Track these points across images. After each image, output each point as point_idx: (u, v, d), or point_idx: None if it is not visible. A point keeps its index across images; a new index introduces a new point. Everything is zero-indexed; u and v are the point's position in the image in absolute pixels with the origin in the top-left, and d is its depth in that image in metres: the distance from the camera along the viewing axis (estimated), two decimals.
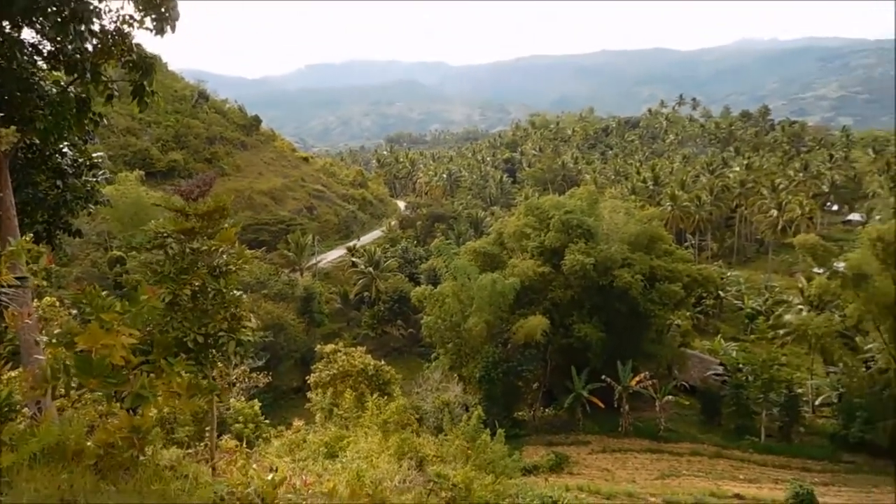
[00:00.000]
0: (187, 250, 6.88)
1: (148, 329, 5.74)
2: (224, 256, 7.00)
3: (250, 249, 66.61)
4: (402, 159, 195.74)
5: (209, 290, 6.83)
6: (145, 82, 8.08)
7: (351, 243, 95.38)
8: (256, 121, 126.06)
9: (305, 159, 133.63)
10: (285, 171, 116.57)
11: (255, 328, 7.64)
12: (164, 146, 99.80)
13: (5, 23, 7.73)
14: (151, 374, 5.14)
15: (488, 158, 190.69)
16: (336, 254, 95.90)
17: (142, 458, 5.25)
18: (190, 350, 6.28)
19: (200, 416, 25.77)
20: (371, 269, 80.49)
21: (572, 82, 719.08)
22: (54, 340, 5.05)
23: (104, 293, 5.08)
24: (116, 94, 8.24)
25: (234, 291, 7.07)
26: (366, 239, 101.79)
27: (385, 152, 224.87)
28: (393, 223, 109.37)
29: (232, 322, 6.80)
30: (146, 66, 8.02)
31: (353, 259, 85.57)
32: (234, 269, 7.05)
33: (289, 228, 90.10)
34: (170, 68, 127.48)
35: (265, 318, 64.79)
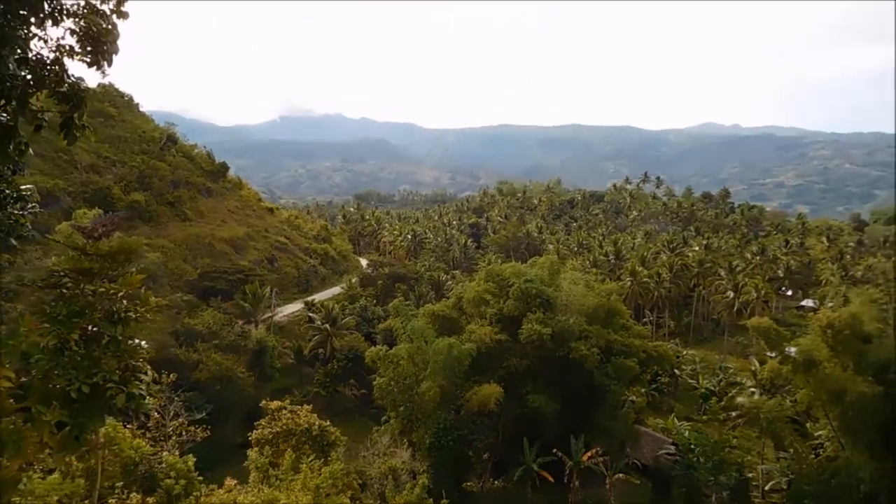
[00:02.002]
0: (86, 292, 6.34)
1: (32, 374, 5.16)
2: (124, 302, 6.47)
3: (206, 297, 65.20)
4: (368, 217, 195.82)
5: (104, 336, 6.27)
6: (75, 115, 7.66)
7: (309, 298, 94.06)
8: (224, 168, 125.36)
9: (271, 210, 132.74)
10: (249, 220, 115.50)
11: (151, 381, 7.04)
12: (127, 186, 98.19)
13: None
14: (27, 423, 4.59)
15: (454, 222, 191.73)
16: (293, 308, 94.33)
17: None
18: (73, 400, 5.66)
19: (130, 468, 24.53)
20: (328, 325, 79.19)
21: (541, 153, 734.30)
22: None
23: None
24: (45, 123, 7.79)
25: (134, 340, 6.51)
26: (325, 294, 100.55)
27: (352, 209, 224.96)
28: (354, 280, 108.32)
29: (125, 373, 6.20)
30: (77, 98, 7.62)
31: (310, 314, 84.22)
32: (134, 316, 6.51)
33: (247, 278, 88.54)
34: (141, 109, 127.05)
35: (213, 369, 63.04)
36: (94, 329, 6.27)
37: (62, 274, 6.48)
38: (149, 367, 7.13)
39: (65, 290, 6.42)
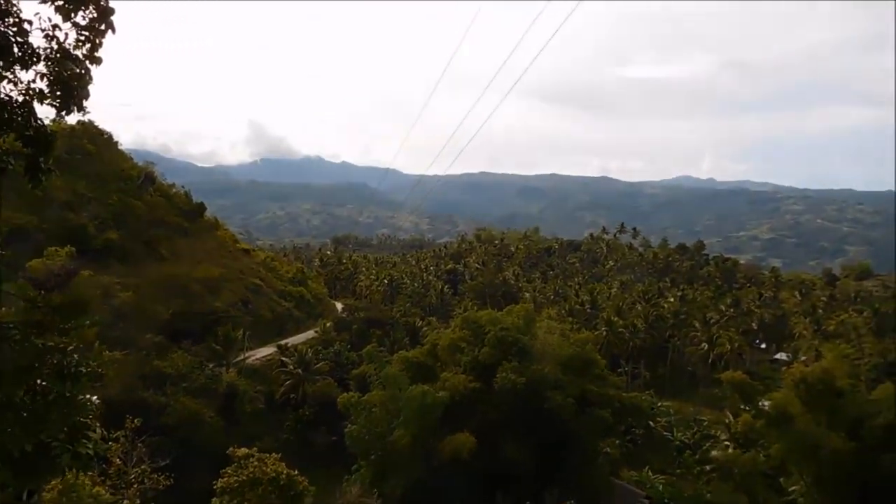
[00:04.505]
0: (38, 345, 6.09)
1: None
2: (76, 356, 6.22)
3: (178, 339, 63.89)
4: (345, 260, 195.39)
5: (52, 392, 6.00)
6: (41, 159, 7.52)
7: (283, 341, 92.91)
8: (201, 208, 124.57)
9: (247, 251, 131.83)
10: (224, 261, 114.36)
11: (100, 438, 6.74)
12: (102, 224, 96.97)
13: None
14: None
15: (431, 268, 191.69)
16: (267, 351, 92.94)
17: None
18: (14, 460, 5.36)
19: None
20: (300, 370, 78.17)
21: (520, 201, 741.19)
22: None
23: None
24: (11, 165, 7.62)
25: (84, 396, 6.23)
26: (299, 338, 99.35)
27: (329, 252, 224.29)
28: (328, 324, 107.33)
29: (73, 431, 5.91)
30: (44, 142, 7.49)
31: (283, 358, 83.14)
32: (85, 371, 6.25)
33: (220, 320, 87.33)
34: (120, 147, 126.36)
35: (181, 413, 61.80)
36: (43, 384, 6.01)
37: (10, 326, 6.23)
38: (98, 424, 6.85)
39: (12, 344, 6.17)
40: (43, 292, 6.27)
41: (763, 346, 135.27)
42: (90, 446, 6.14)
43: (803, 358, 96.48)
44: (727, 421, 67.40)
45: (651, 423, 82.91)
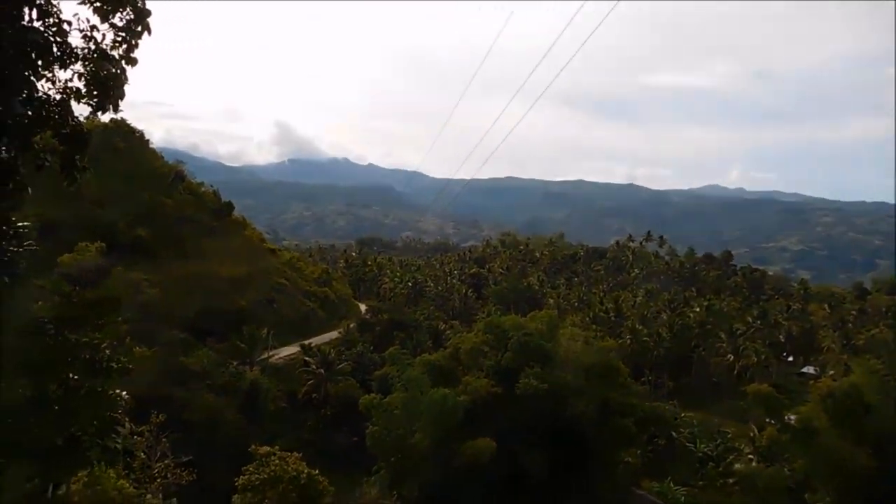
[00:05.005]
0: (72, 340, 6.16)
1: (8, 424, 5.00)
2: (108, 352, 6.29)
3: (203, 336, 64.36)
4: (369, 262, 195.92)
5: (83, 386, 6.06)
6: (77, 157, 7.63)
7: (306, 341, 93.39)
8: (229, 207, 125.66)
9: (273, 251, 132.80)
10: (251, 260, 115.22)
11: (129, 433, 6.83)
12: (132, 221, 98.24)
13: None
14: None
15: (455, 272, 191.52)
16: (290, 350, 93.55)
17: None
18: (44, 453, 5.43)
19: None
20: (322, 370, 78.53)
21: (545, 206, 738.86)
22: None
23: None
24: (48, 163, 7.77)
25: (114, 391, 6.29)
26: (322, 338, 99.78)
27: (354, 253, 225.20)
28: (352, 325, 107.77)
29: (101, 425, 5.96)
30: (81, 140, 7.61)
31: (306, 358, 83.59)
32: (116, 367, 6.32)
33: (245, 319, 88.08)
34: (151, 145, 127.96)
35: (204, 409, 62.42)
36: (75, 378, 6.09)
37: (45, 321, 6.31)
38: (127, 419, 6.94)
39: (47, 338, 6.25)
40: (77, 288, 6.39)
41: (790, 358, 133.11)
42: (119, 440, 6.20)
43: (831, 372, 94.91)
44: (752, 434, 66.59)
45: (674, 433, 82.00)
